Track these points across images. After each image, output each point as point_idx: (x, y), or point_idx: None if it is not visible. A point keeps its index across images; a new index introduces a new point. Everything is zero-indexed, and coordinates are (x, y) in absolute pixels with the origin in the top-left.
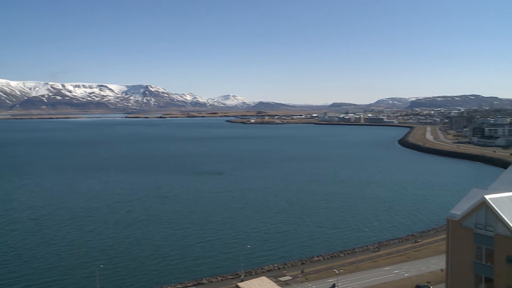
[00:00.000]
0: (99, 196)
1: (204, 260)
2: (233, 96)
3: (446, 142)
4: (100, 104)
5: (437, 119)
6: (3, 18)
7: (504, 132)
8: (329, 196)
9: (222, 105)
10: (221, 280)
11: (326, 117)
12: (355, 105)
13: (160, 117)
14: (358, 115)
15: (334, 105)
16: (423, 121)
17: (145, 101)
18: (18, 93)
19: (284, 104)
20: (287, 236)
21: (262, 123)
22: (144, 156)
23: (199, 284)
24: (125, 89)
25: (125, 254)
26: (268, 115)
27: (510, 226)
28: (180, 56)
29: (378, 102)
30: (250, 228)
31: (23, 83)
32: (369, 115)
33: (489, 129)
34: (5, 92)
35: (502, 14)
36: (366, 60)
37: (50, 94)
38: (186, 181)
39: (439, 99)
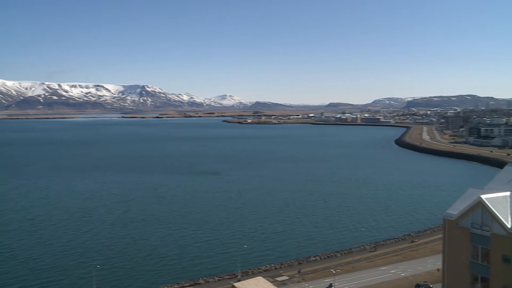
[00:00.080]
0: (95, 196)
1: (201, 260)
2: (230, 96)
3: (443, 142)
4: (96, 104)
5: (434, 119)
6: None
7: (500, 132)
8: (326, 196)
9: (219, 105)
10: (218, 280)
11: (322, 117)
12: (351, 105)
13: (157, 117)
14: (354, 115)
15: (331, 105)
16: (420, 121)
17: (141, 101)
18: (14, 93)
19: (280, 104)
20: (284, 236)
21: (259, 123)
22: (140, 156)
23: (196, 284)
24: (121, 89)
25: (122, 254)
26: (265, 115)
27: (506, 225)
28: (177, 56)
29: (374, 102)
30: (247, 228)
31: (19, 83)
32: (366, 115)
33: (485, 129)
34: (1, 92)
35: (499, 15)
36: (363, 60)
37: (47, 94)
38: (183, 181)
39: (436, 99)
